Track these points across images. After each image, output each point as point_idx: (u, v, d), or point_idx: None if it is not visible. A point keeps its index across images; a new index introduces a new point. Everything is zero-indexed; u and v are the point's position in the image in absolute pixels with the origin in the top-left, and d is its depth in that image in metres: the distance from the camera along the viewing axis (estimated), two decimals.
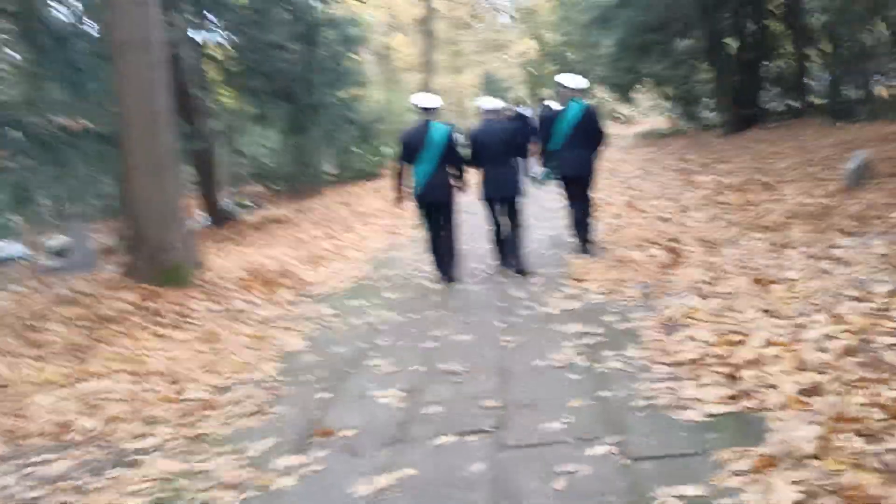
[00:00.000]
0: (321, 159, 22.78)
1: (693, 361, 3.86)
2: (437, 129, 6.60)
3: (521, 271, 6.76)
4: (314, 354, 5.17)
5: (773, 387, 3.29)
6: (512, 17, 48.56)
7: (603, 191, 11.10)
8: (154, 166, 7.39)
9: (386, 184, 19.99)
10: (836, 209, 7.16)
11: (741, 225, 7.36)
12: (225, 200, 16.38)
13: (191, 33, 13.79)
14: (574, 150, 6.98)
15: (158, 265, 7.30)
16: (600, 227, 8.39)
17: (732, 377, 3.53)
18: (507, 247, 6.93)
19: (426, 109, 6.70)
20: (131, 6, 7.17)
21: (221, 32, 14.24)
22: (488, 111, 7.00)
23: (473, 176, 6.98)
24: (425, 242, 7.14)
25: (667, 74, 20.35)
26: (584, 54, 31.04)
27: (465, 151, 6.85)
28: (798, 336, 3.82)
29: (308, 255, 9.31)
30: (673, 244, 6.86)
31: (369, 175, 23.55)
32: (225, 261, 9.21)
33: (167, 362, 5.15)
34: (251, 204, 20.61)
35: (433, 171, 6.60)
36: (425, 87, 25.16)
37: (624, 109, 32.67)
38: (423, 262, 7.71)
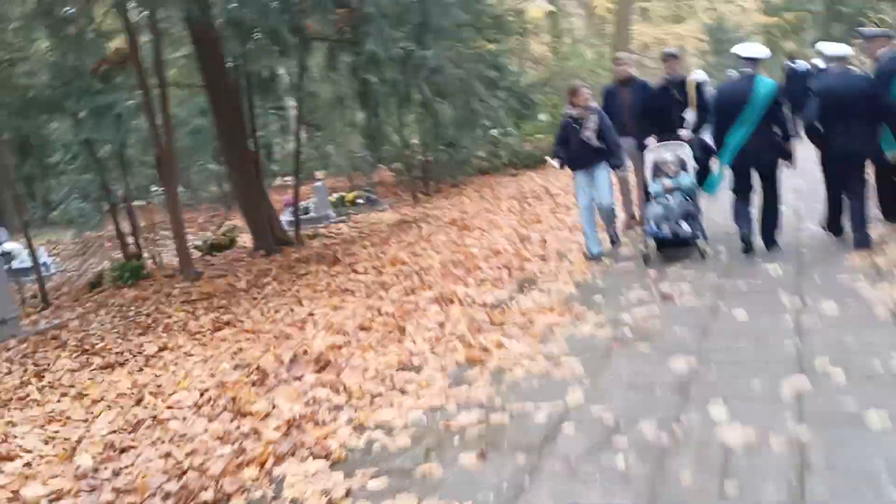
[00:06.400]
0: (471, 140, 16.67)
1: None
2: (763, 84, 5.74)
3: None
4: None
5: None
6: None
7: None
8: None
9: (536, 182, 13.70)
10: None
11: None
12: (305, 204, 11.09)
13: None
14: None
15: None
16: None
17: None
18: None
19: (750, 60, 5.85)
20: None
21: None
22: (836, 58, 5.92)
23: None
24: (735, 209, 6.03)
25: None
26: None
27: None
28: None
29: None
30: None
31: (538, 162, 17.11)
32: None
33: None
34: (366, 200, 15.09)
35: (756, 131, 5.72)
36: (626, 39, 18.13)
37: None
38: None
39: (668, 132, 6.34)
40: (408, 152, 15.72)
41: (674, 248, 6.09)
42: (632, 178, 7.54)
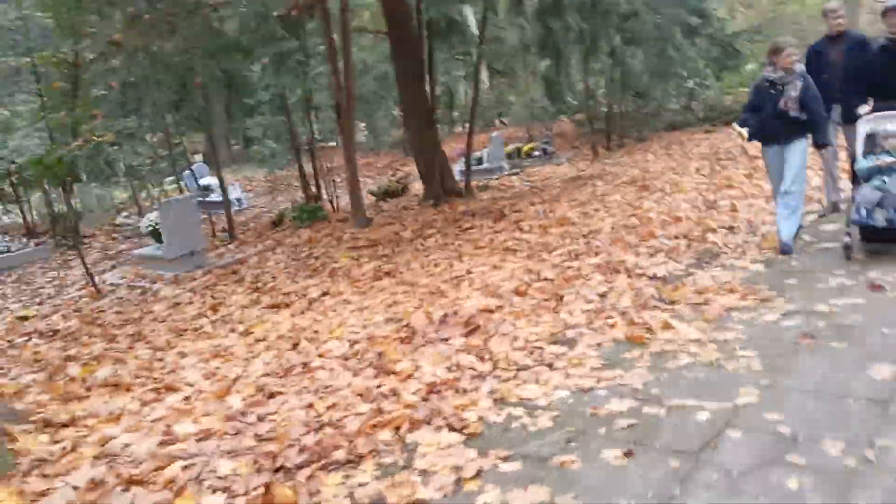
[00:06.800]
0: (663, 91, 15.59)
1: None
2: None
3: None
4: None
5: None
6: None
7: None
8: None
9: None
10: None
11: None
12: (479, 154, 10.94)
13: None
14: None
15: None
16: None
17: None
18: None
19: None
20: None
21: None
22: None
23: None
24: None
25: None
26: None
27: None
28: None
29: None
30: None
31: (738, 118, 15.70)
32: None
33: None
34: (542, 152, 14.66)
35: None
36: None
37: None
38: None
39: (890, 99, 5.20)
40: (591, 103, 15.01)
41: (888, 241, 4.93)
42: (838, 157, 6.39)
